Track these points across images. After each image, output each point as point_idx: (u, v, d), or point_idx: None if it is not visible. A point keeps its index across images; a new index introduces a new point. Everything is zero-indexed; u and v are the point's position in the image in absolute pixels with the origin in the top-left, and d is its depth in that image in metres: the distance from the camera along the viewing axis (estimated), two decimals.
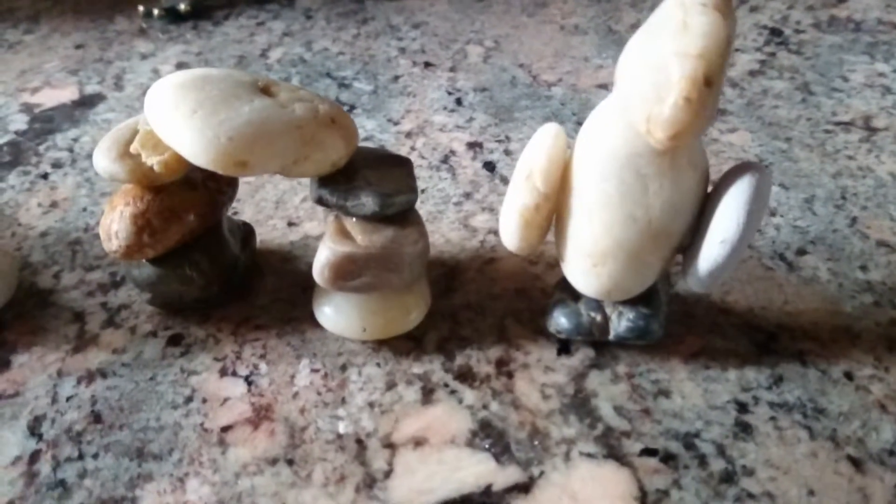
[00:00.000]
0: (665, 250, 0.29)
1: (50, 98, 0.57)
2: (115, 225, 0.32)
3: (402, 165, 0.33)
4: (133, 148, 0.32)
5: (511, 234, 0.30)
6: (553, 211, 0.30)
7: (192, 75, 0.31)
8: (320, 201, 0.31)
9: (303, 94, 0.32)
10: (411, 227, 0.32)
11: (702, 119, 0.24)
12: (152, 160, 0.31)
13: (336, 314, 0.33)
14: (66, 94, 0.57)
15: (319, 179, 0.31)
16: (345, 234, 0.32)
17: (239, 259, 0.37)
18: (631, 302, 0.31)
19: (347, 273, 0.31)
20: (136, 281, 0.34)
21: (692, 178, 0.28)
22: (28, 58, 0.63)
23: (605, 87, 0.54)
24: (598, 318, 0.32)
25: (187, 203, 0.33)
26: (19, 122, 0.54)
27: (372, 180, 0.31)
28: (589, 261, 0.29)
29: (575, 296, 0.32)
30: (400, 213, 0.32)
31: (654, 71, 0.24)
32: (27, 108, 0.55)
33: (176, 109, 0.30)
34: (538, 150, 0.29)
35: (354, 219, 0.32)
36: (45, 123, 0.53)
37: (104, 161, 0.32)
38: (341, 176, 0.31)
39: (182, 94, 0.30)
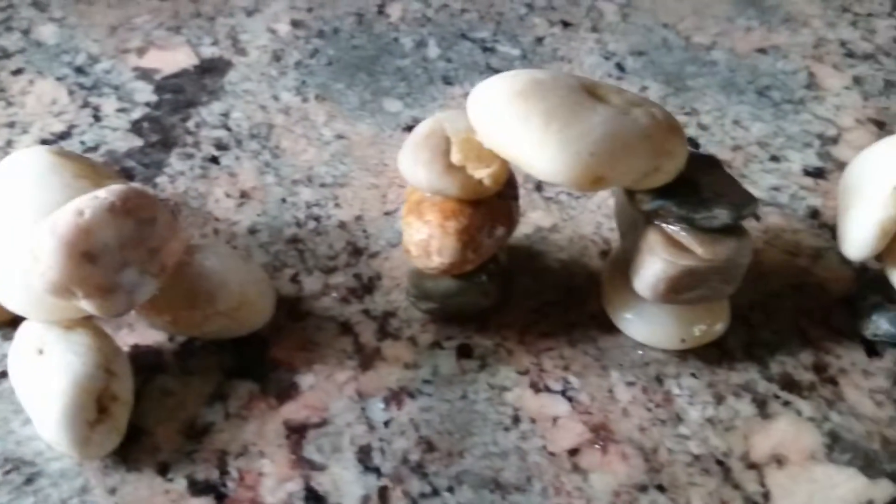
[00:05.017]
0: None
1: (165, 63, 0.52)
2: (435, 241, 0.30)
3: (717, 166, 0.32)
4: (456, 160, 0.29)
5: (863, 244, 0.30)
6: None
7: (524, 80, 0.29)
8: (658, 214, 0.30)
9: (630, 97, 0.30)
10: (746, 237, 0.31)
11: None
12: (481, 173, 0.29)
13: (646, 324, 0.32)
14: (181, 57, 0.52)
15: (655, 190, 0.30)
16: (677, 245, 0.30)
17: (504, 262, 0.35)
18: None
19: (684, 286, 0.30)
20: (429, 293, 0.32)
21: None
22: (109, 10, 0.57)
23: (765, 51, 0.52)
24: None
25: (499, 214, 0.31)
26: (145, 93, 0.49)
27: (718, 190, 0.30)
28: None
29: (891, 299, 0.32)
30: None
31: None
32: (144, 75, 0.50)
33: (526, 122, 0.28)
34: None
35: (679, 228, 0.30)
36: (177, 94, 0.49)
37: (428, 175, 0.29)
38: (681, 186, 0.30)
39: (528, 105, 0.28)
